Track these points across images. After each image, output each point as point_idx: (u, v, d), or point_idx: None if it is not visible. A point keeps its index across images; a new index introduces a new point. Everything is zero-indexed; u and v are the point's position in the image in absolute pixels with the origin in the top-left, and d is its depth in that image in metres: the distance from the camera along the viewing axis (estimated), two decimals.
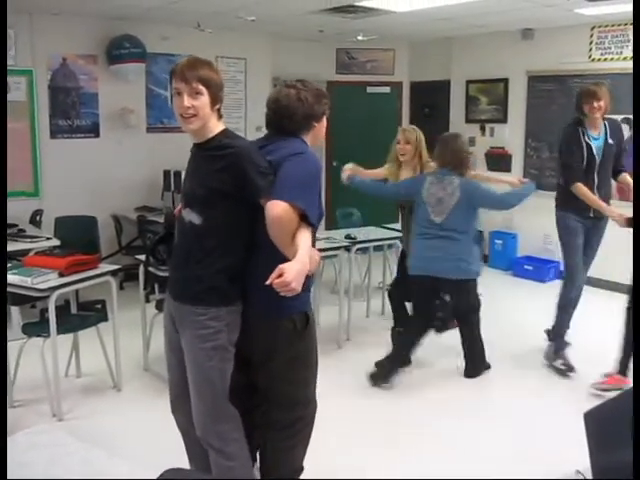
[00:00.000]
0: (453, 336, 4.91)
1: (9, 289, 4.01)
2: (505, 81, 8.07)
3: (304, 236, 2.48)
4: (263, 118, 2.87)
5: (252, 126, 7.91)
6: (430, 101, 9.04)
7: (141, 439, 3.84)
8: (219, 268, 2.66)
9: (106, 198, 7.24)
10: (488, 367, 4.88)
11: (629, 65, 6.26)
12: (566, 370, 4.80)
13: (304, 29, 7.79)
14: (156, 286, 4.89)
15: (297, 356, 2.79)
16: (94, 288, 4.45)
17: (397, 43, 9.05)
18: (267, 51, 8.38)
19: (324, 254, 5.04)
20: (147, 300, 4.93)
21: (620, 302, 4.49)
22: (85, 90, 7.17)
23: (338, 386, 4.51)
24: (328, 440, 3.50)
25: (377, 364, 4.73)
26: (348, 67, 9.24)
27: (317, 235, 2.84)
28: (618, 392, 3.30)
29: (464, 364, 4.83)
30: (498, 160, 8.04)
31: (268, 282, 2.25)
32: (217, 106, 2.65)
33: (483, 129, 8.34)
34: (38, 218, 6.52)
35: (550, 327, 5.19)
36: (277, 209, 2.43)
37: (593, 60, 7.15)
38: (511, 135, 8.09)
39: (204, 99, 2.58)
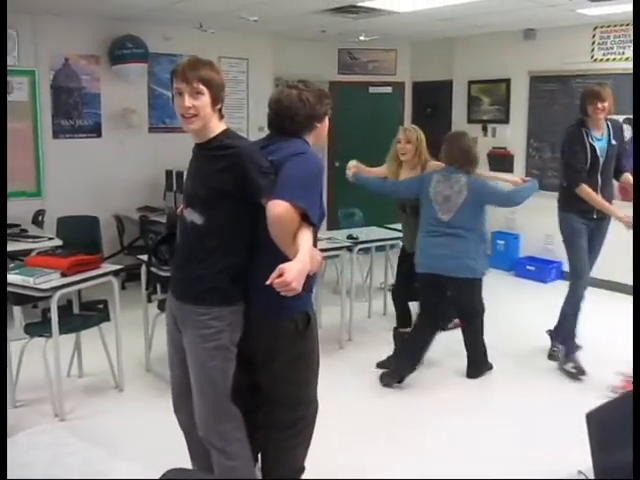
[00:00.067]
0: (455, 337, 4.91)
1: (11, 289, 4.01)
2: (507, 81, 8.06)
3: (305, 236, 2.47)
4: (265, 118, 2.87)
5: (254, 126, 7.92)
6: (432, 101, 9.03)
7: (143, 439, 3.84)
8: (221, 268, 2.66)
9: (108, 198, 7.25)
10: (490, 367, 4.87)
11: (631, 65, 6.26)
12: (577, 373, 4.74)
13: (306, 29, 7.80)
14: (158, 286, 4.89)
15: (299, 356, 2.79)
16: (96, 288, 4.45)
17: (399, 43, 9.05)
18: (269, 51, 8.38)
19: (326, 254, 5.04)
20: (149, 300, 4.93)
21: (621, 302, 4.49)
22: (87, 90, 7.18)
23: (339, 386, 4.51)
24: (329, 440, 3.50)
25: (382, 364, 4.74)
26: (350, 67, 9.24)
27: (319, 235, 2.85)
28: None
29: (466, 365, 4.82)
30: (500, 160, 8.03)
31: (268, 282, 2.25)
32: (218, 106, 2.65)
33: (485, 129, 8.33)
34: (40, 218, 6.53)
35: (552, 327, 5.18)
36: (278, 208, 2.43)
37: (595, 60, 7.14)
38: (513, 135, 8.09)
39: (205, 99, 2.58)
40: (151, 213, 7.03)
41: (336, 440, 3.74)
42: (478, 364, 4.82)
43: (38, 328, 4.32)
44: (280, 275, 2.25)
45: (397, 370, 4.66)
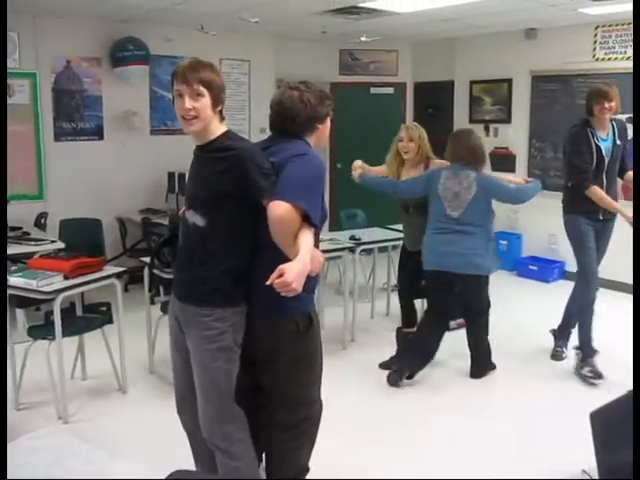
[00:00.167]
0: (460, 337, 4.91)
1: (14, 292, 4.02)
2: (509, 81, 8.06)
3: (306, 237, 2.47)
4: (267, 120, 2.87)
5: (256, 128, 7.92)
6: (434, 102, 9.03)
7: (147, 441, 3.85)
8: (223, 270, 2.66)
9: (110, 201, 7.26)
10: (493, 367, 4.87)
11: None
12: (594, 377, 4.66)
13: (307, 30, 7.80)
14: (161, 288, 4.90)
15: (301, 357, 2.79)
16: (99, 290, 4.46)
17: (400, 44, 9.05)
18: (270, 53, 8.38)
19: (328, 255, 5.04)
20: (152, 302, 4.94)
21: (622, 302, 4.48)
22: (89, 93, 7.18)
23: (342, 387, 4.51)
24: (333, 440, 3.50)
25: (385, 365, 4.74)
26: (351, 68, 9.24)
27: (321, 236, 2.84)
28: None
29: (470, 365, 4.82)
30: (502, 160, 8.02)
31: (268, 282, 2.25)
32: (219, 108, 2.65)
33: (487, 129, 8.33)
34: (43, 221, 6.54)
35: (556, 327, 5.18)
36: (279, 209, 2.43)
37: (597, 60, 7.14)
38: (515, 135, 8.09)
39: (205, 101, 2.58)
40: (153, 215, 7.04)
41: (340, 440, 3.74)
42: (482, 364, 4.82)
43: (41, 331, 4.33)
44: (280, 275, 2.25)
45: (402, 369, 4.66)
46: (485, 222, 4.58)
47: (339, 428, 3.77)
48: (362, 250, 5.62)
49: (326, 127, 2.88)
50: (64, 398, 4.12)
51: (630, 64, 6.57)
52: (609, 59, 7.03)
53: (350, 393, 4.51)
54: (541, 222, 7.39)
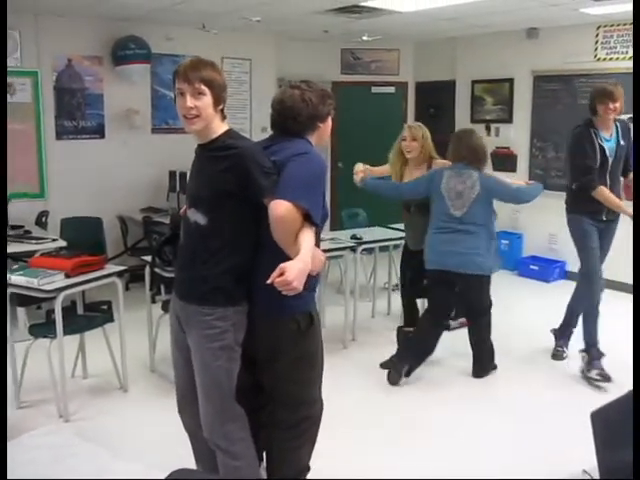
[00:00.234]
0: (461, 337, 4.91)
1: (16, 290, 4.03)
2: (510, 81, 8.06)
3: (307, 236, 2.47)
4: (268, 119, 2.87)
5: (257, 127, 7.92)
6: (435, 101, 9.03)
7: (147, 440, 3.85)
8: (225, 268, 2.66)
9: (111, 199, 7.26)
10: (494, 367, 4.87)
11: None
12: (602, 380, 4.59)
13: (309, 29, 7.80)
14: (162, 287, 4.90)
15: (302, 356, 2.79)
16: (100, 289, 4.46)
17: (402, 43, 9.05)
18: (272, 52, 8.38)
19: (330, 254, 5.04)
20: (153, 301, 4.94)
21: (625, 302, 4.48)
22: (90, 91, 7.19)
23: (343, 386, 4.50)
24: (334, 439, 3.49)
25: (386, 364, 4.74)
26: (353, 67, 9.24)
27: (322, 235, 2.84)
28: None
29: (472, 364, 4.82)
30: (503, 160, 8.02)
31: (269, 281, 2.25)
32: (220, 107, 2.65)
33: (488, 129, 8.32)
34: (44, 219, 6.54)
35: (557, 327, 5.18)
36: (280, 209, 2.43)
37: (599, 60, 7.13)
38: (516, 135, 8.08)
39: (207, 99, 2.58)
40: (154, 214, 7.04)
41: (341, 440, 3.74)
42: (484, 364, 4.82)
43: (42, 329, 4.33)
44: (281, 274, 2.25)
45: (399, 366, 4.66)
46: (487, 222, 4.59)
47: (340, 427, 3.77)
48: (363, 249, 5.62)
49: (327, 126, 2.88)
50: (65, 396, 4.12)
51: (631, 64, 6.56)
52: (610, 59, 7.03)
53: (351, 392, 4.51)
54: (542, 222, 7.38)
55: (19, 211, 6.17)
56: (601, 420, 2.58)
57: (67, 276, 4.07)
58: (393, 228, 6.04)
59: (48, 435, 3.94)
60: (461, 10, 6.39)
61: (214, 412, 2.76)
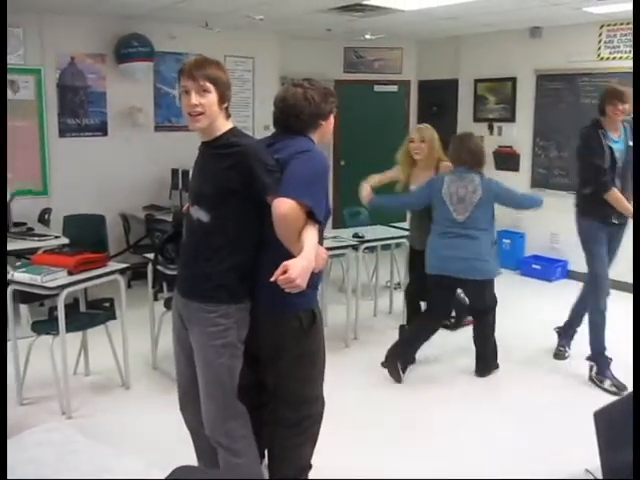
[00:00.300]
0: (466, 334, 4.91)
1: (18, 287, 4.03)
2: (513, 80, 8.05)
3: (310, 233, 2.48)
4: (271, 117, 2.87)
5: (260, 125, 7.91)
6: (438, 100, 9.02)
7: (149, 437, 3.85)
8: (228, 266, 2.66)
9: (114, 197, 7.27)
10: (497, 367, 4.87)
11: None
12: (617, 391, 4.45)
13: (312, 28, 7.79)
14: (164, 284, 4.91)
15: (304, 354, 2.79)
16: (102, 286, 4.46)
17: (405, 42, 9.05)
18: (275, 50, 8.38)
19: (332, 253, 5.04)
20: (155, 298, 4.95)
21: (625, 302, 4.46)
22: (93, 89, 7.19)
23: (345, 384, 4.51)
24: (335, 437, 3.50)
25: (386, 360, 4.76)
26: (356, 66, 9.24)
27: (325, 234, 2.84)
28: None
29: (475, 363, 4.82)
30: (506, 159, 8.02)
31: (273, 278, 2.26)
32: (225, 104, 2.66)
33: (491, 128, 8.32)
34: (47, 216, 6.55)
35: (561, 325, 5.16)
36: (284, 206, 2.43)
37: (602, 59, 7.12)
38: (519, 134, 8.07)
39: (212, 97, 2.59)
40: (157, 212, 7.04)
41: (342, 438, 3.74)
42: (487, 362, 4.82)
43: (45, 326, 4.34)
44: (284, 272, 2.25)
45: (393, 363, 4.68)
46: (489, 226, 4.60)
47: (341, 426, 3.77)
48: (365, 248, 5.62)
49: (330, 124, 2.88)
50: (67, 393, 4.14)
51: None
52: (614, 58, 7.02)
53: (353, 390, 4.51)
54: (544, 221, 7.37)
55: (22, 208, 6.18)
56: (604, 420, 2.58)
57: (70, 273, 4.08)
58: (395, 227, 6.04)
59: (50, 432, 3.92)
60: (464, 9, 6.38)
61: (216, 409, 2.76)
